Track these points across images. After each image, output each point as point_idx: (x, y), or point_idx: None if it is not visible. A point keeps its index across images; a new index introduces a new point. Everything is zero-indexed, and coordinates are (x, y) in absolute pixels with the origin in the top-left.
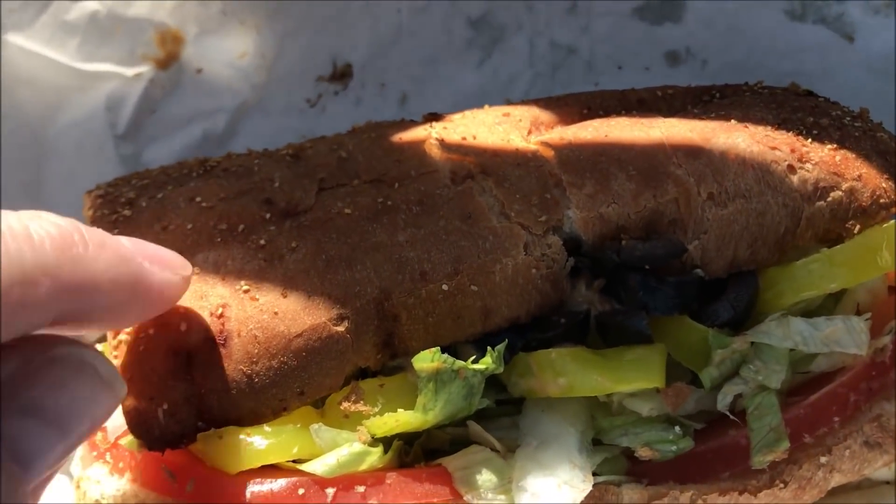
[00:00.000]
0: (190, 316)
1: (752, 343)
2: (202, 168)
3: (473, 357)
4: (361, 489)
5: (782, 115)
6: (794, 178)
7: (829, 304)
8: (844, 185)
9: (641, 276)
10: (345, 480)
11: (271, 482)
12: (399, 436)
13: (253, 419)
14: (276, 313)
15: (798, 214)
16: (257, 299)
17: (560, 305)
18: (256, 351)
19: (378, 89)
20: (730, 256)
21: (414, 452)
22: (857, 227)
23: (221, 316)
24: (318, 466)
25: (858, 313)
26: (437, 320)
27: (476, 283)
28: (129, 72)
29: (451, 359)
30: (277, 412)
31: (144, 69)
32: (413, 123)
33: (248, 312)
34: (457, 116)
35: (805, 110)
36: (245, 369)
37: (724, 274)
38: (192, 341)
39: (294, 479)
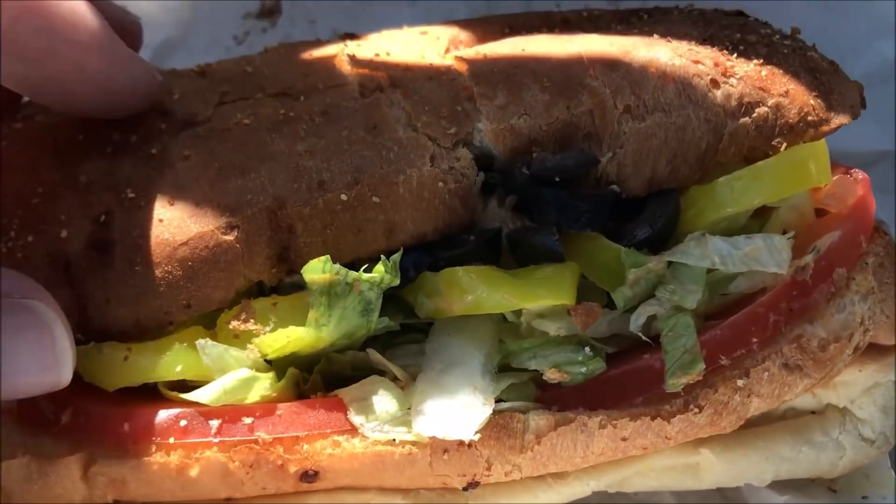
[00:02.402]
0: (70, 223)
1: (670, 264)
2: None
3: (366, 266)
4: (249, 420)
5: (709, 32)
6: (718, 93)
7: (755, 227)
8: (770, 101)
9: (554, 192)
10: (231, 411)
11: (152, 413)
12: (296, 363)
13: (136, 333)
14: (161, 220)
15: (721, 130)
16: (142, 206)
17: (471, 224)
18: (139, 259)
19: (308, 26)
20: (648, 173)
21: (312, 381)
22: (784, 144)
23: (104, 224)
24: (202, 395)
25: (784, 234)
26: (336, 233)
27: (378, 194)
28: None
29: (343, 269)
30: (162, 326)
31: None
32: (327, 42)
33: (132, 220)
34: (373, 35)
35: (733, 28)
36: (127, 279)
37: (644, 192)
38: (72, 249)
39: (176, 410)
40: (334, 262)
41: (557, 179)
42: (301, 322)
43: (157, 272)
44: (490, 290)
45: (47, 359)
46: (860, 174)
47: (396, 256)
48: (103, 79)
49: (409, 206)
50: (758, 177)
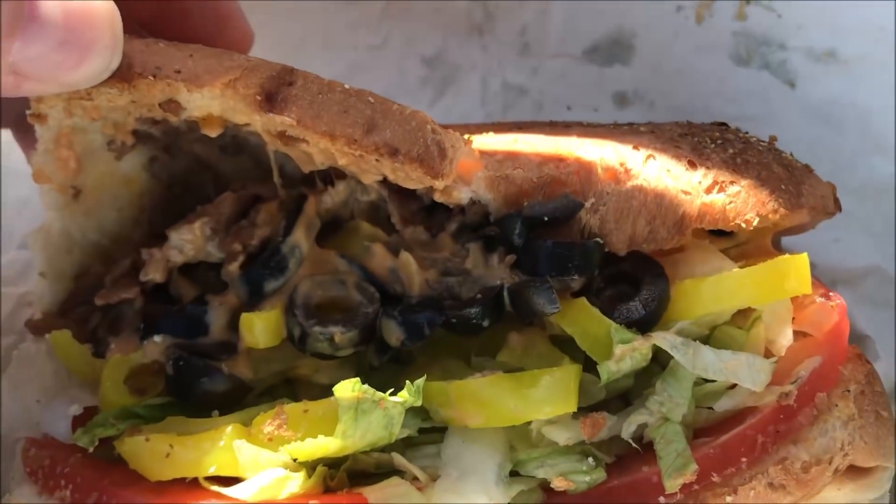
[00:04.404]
0: None
1: (656, 358)
2: None
3: (391, 391)
4: None
5: (690, 130)
6: (695, 173)
7: (738, 327)
8: (743, 182)
9: (545, 244)
10: None
11: None
12: (323, 460)
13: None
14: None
15: (697, 202)
16: None
17: (468, 273)
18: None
19: None
20: (629, 230)
21: (339, 478)
22: (756, 219)
23: None
24: (239, 492)
25: (767, 355)
26: (325, 101)
27: (375, 98)
28: None
29: (371, 389)
30: (145, 75)
31: None
32: None
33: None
34: None
35: (713, 130)
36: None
37: (625, 249)
38: None
39: (216, 503)
40: (307, 127)
41: (546, 219)
42: (329, 428)
43: (166, 43)
44: (499, 403)
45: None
46: (838, 299)
47: (420, 382)
48: None
49: (395, 121)
50: (743, 282)
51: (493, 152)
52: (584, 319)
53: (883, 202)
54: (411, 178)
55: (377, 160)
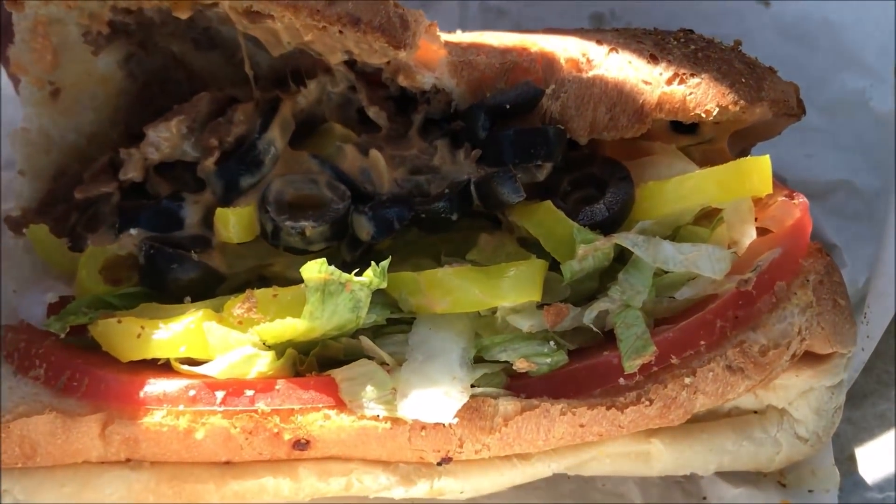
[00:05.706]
0: None
1: (621, 258)
2: None
3: (357, 270)
4: (250, 393)
5: (655, 31)
6: (657, 66)
7: (704, 238)
8: (704, 75)
9: (508, 134)
10: (235, 384)
11: (164, 382)
12: (294, 345)
13: None
14: None
15: (657, 91)
16: None
17: (436, 170)
18: None
19: None
20: (590, 117)
21: (308, 362)
22: (717, 110)
23: None
24: (209, 369)
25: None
26: None
27: None
28: None
29: (337, 271)
30: None
31: None
32: None
33: None
34: None
35: (678, 33)
36: None
37: (586, 136)
38: None
39: (186, 381)
40: None
41: (508, 107)
42: (298, 313)
43: None
44: (466, 290)
45: None
46: (801, 198)
47: (385, 264)
48: None
49: None
50: (706, 180)
51: (458, 42)
52: (548, 221)
53: (853, 117)
54: (375, 50)
55: (340, 31)
